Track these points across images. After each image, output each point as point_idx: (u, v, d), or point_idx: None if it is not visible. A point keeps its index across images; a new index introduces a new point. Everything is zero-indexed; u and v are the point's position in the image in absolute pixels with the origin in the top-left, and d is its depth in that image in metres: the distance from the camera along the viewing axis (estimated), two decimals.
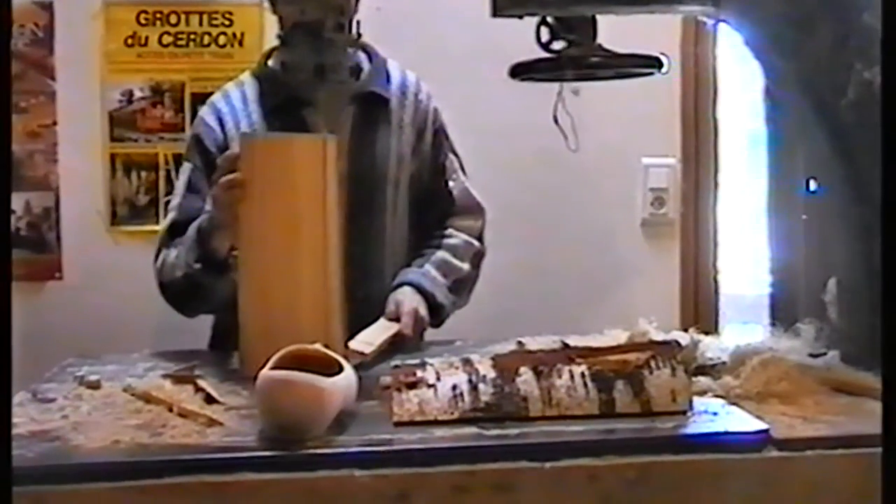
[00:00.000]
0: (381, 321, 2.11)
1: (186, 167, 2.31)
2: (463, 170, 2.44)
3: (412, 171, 2.37)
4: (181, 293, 2.16)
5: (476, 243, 2.39)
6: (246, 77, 2.39)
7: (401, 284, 2.25)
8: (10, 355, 1.33)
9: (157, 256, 2.23)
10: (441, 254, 2.34)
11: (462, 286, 2.34)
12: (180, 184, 2.30)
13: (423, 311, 2.20)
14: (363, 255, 2.27)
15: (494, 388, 1.56)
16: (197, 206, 2.18)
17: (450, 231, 2.39)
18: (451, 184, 2.41)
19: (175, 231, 2.19)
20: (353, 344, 1.93)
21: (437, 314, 2.26)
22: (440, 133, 2.43)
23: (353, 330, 1.99)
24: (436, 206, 2.41)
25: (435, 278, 2.28)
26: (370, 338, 2.00)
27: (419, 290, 2.24)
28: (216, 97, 2.37)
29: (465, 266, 2.35)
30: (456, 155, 2.44)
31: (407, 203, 2.38)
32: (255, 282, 1.88)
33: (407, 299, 2.19)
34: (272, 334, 1.75)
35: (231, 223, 1.92)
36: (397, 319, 2.12)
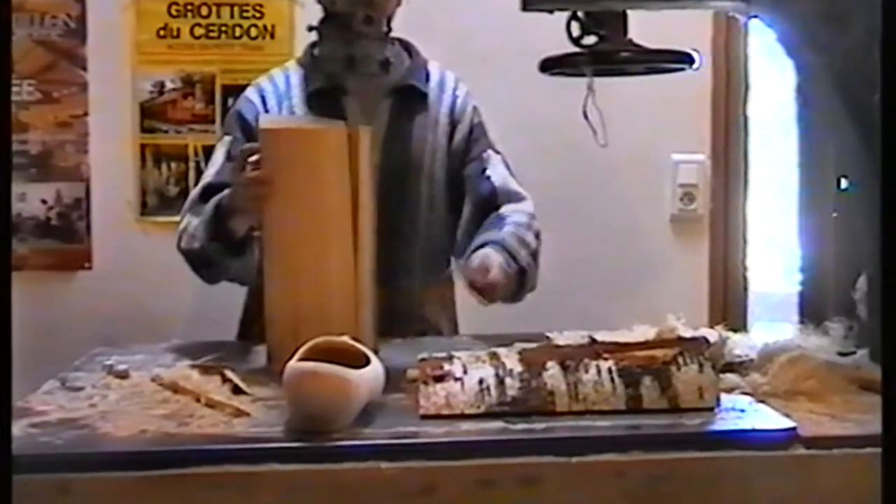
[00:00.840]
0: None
1: (226, 140, 2.34)
2: (508, 166, 2.42)
3: (448, 166, 2.38)
4: (197, 263, 2.20)
5: (535, 222, 2.34)
6: (291, 64, 2.44)
7: (480, 246, 2.20)
8: (9, 348, 1.33)
9: (182, 218, 2.25)
10: (508, 228, 2.27)
11: (536, 259, 2.29)
12: (219, 154, 2.32)
13: (498, 259, 2.14)
14: (395, 249, 2.27)
15: (521, 382, 1.55)
16: None
17: (505, 212, 2.33)
18: (487, 171, 2.38)
19: (207, 195, 2.20)
20: None
21: (522, 280, 2.22)
22: (477, 129, 2.43)
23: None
24: (481, 196, 2.36)
25: (518, 241, 2.24)
26: None
27: (502, 245, 2.20)
28: (261, 79, 2.42)
29: (534, 240, 2.29)
30: (498, 153, 2.43)
31: (445, 199, 2.38)
32: (283, 276, 1.89)
33: (482, 257, 2.14)
34: (300, 331, 1.71)
35: (253, 213, 1.94)
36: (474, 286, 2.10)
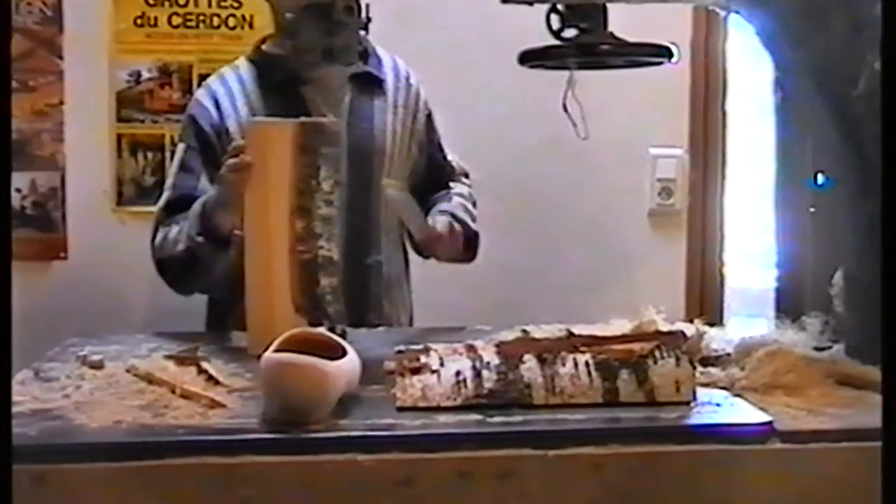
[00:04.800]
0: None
1: (180, 147, 2.36)
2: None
3: (407, 148, 2.44)
4: (180, 268, 2.19)
5: (473, 195, 2.54)
6: (241, 61, 2.44)
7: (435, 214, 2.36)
8: (9, 336, 1.32)
9: (154, 235, 2.26)
10: (457, 199, 2.46)
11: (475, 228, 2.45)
12: (175, 164, 2.35)
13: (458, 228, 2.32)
14: (361, 225, 2.34)
15: (498, 374, 1.55)
16: (191, 184, 2.25)
17: (453, 186, 2.52)
18: (449, 157, 2.54)
19: (170, 209, 2.25)
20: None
21: (473, 243, 2.39)
22: (431, 116, 2.52)
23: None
24: (439, 176, 2.52)
25: (464, 212, 2.42)
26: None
27: (454, 217, 2.35)
28: (212, 79, 2.43)
29: (475, 211, 2.48)
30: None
31: (402, 178, 2.42)
32: (261, 263, 1.91)
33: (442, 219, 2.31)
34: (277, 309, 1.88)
35: (235, 203, 1.95)
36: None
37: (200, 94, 2.41)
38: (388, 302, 2.40)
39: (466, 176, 2.58)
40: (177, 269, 2.20)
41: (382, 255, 2.37)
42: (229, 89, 2.37)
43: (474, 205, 2.49)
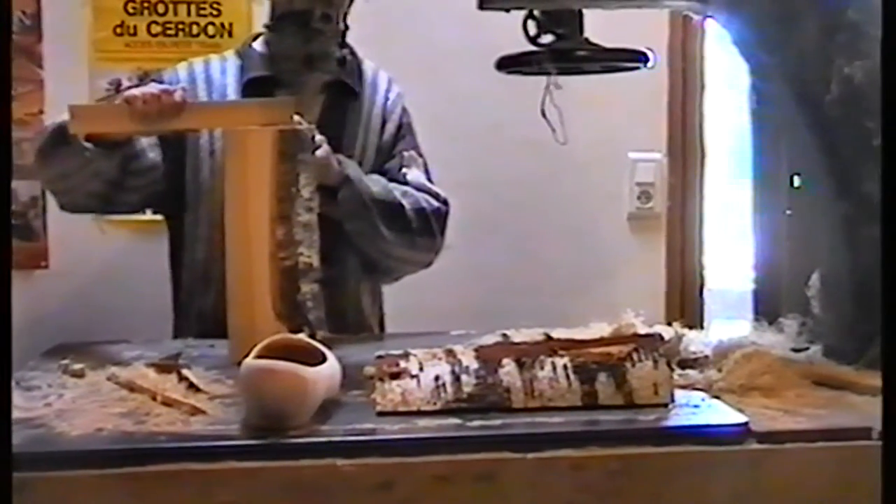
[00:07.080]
0: None
1: None
2: (427, 171, 2.45)
3: (375, 161, 2.41)
4: (46, 143, 2.18)
5: (430, 202, 2.38)
6: (229, 54, 2.46)
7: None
8: (9, 342, 1.32)
9: None
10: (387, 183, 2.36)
11: (388, 206, 2.32)
12: None
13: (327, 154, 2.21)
14: (327, 238, 2.29)
15: (477, 379, 1.56)
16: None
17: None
18: (404, 169, 2.42)
19: None
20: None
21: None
22: (404, 128, 2.46)
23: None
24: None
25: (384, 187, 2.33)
26: None
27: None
28: (197, 60, 2.45)
29: (402, 200, 2.34)
30: (420, 155, 2.46)
31: None
32: (242, 269, 1.93)
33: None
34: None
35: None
36: None
37: (180, 66, 2.43)
38: (357, 312, 2.40)
39: (432, 194, 2.40)
40: (42, 147, 2.20)
41: (350, 267, 2.35)
42: (209, 76, 2.39)
43: (418, 210, 2.35)
